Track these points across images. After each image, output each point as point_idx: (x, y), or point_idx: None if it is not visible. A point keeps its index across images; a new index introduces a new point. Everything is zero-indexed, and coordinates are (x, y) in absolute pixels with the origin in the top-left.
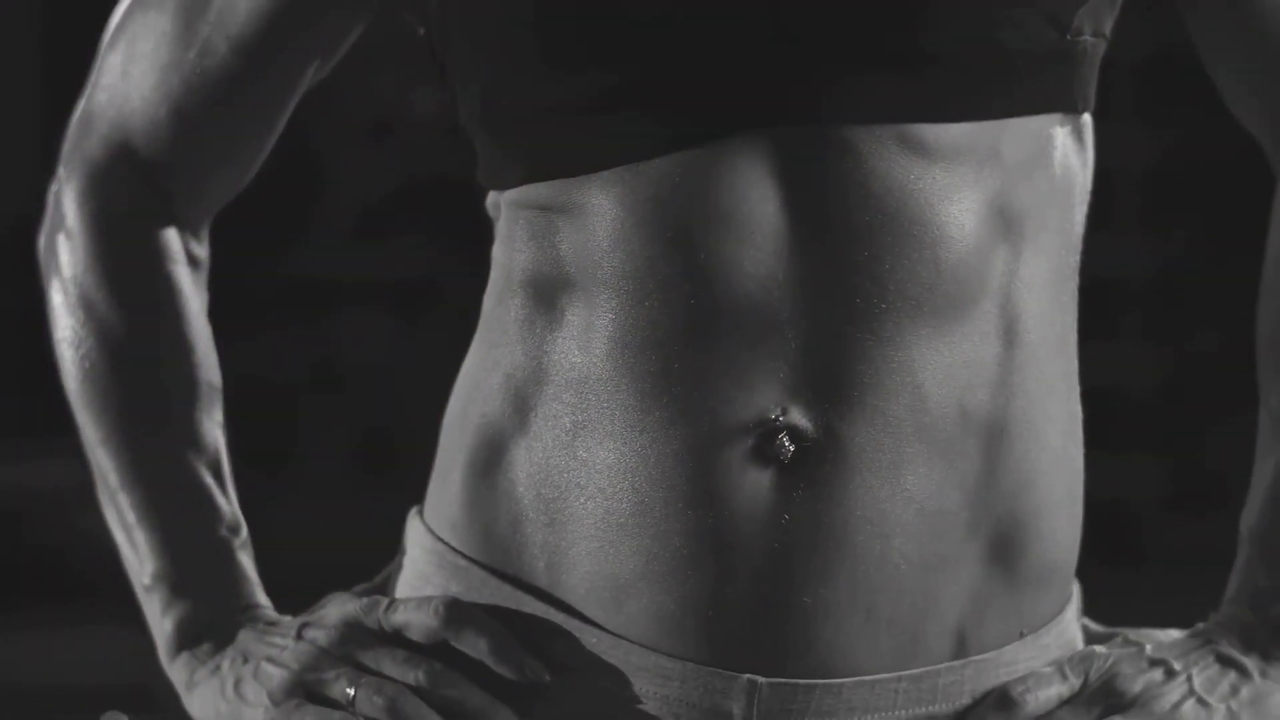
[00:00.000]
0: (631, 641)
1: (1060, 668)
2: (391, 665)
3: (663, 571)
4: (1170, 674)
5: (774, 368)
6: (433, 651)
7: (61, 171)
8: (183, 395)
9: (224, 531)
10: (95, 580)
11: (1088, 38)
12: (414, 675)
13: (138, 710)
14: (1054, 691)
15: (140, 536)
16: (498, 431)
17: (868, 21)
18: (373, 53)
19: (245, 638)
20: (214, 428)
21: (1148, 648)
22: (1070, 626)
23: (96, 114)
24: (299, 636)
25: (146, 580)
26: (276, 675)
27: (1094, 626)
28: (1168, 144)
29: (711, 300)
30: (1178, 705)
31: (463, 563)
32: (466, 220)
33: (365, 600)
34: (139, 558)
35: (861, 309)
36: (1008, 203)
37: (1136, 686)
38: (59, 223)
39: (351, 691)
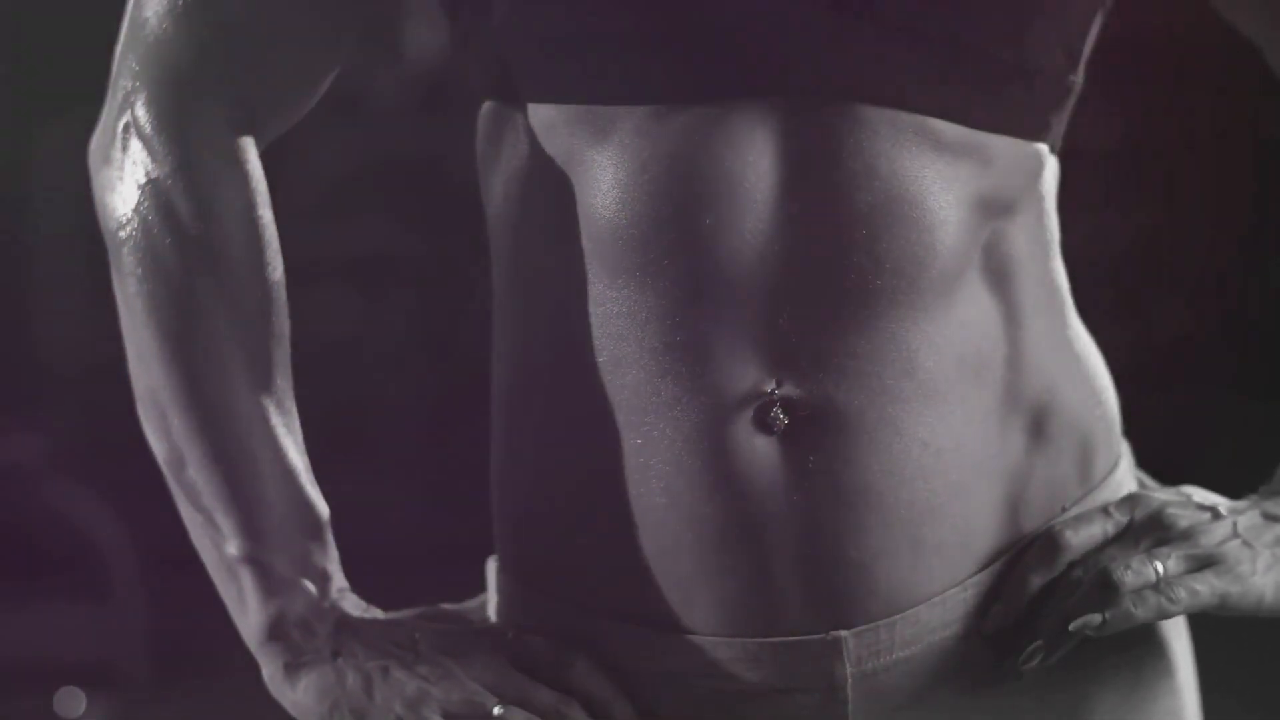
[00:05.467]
0: (711, 635)
1: (1106, 507)
2: (538, 700)
3: (712, 562)
4: (1217, 517)
5: (768, 340)
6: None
7: (128, 81)
8: (265, 348)
9: (313, 508)
10: (58, 556)
11: (1079, 81)
12: (563, 714)
13: (95, 685)
14: (1098, 528)
15: (224, 515)
16: (533, 465)
17: (918, 5)
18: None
19: (359, 632)
20: (289, 386)
21: (1195, 495)
22: (1124, 485)
23: (173, 19)
24: (437, 653)
25: (233, 553)
26: (410, 686)
27: (1150, 482)
28: (1133, 121)
29: (713, 268)
30: (1223, 542)
31: (542, 601)
32: (430, 199)
33: (494, 629)
34: (220, 533)
35: (856, 285)
36: (999, 194)
37: (1184, 522)
38: (130, 129)
39: (496, 713)
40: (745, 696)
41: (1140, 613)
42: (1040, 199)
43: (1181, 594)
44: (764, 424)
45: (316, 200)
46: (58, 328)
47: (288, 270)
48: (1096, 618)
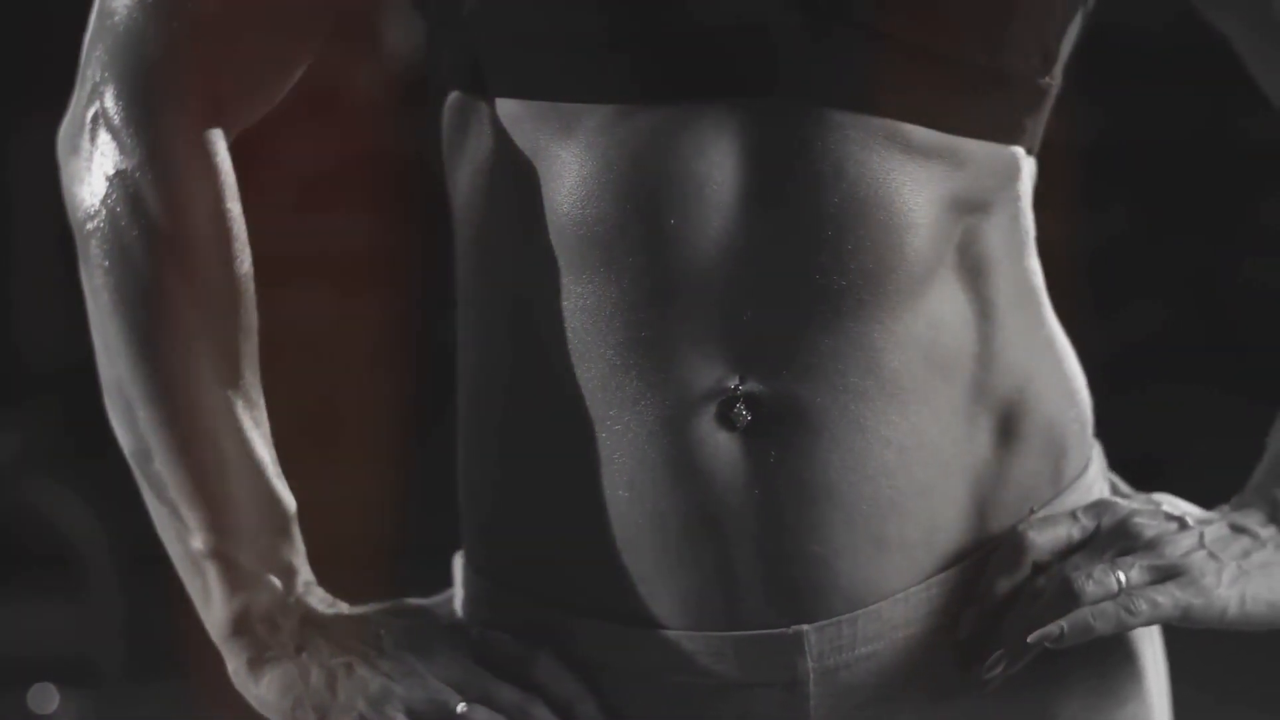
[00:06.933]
0: (676, 629)
1: (1073, 512)
2: (501, 697)
3: (674, 556)
4: (1184, 527)
5: (733, 337)
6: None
7: (97, 71)
8: (232, 340)
9: (280, 503)
10: (33, 552)
11: (1055, 83)
12: (526, 711)
13: (71, 682)
14: (1063, 531)
15: (190, 509)
16: (497, 460)
17: (891, 10)
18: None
19: (323, 628)
20: (258, 380)
21: (1165, 506)
22: (1094, 487)
23: (143, 10)
24: (402, 650)
25: (198, 547)
26: (373, 683)
27: (1123, 486)
28: (1107, 120)
29: (677, 266)
30: (1188, 553)
31: (504, 596)
32: (409, 194)
33: (459, 626)
34: (186, 526)
35: (821, 284)
36: (972, 195)
37: (1150, 532)
38: (98, 119)
39: (460, 710)
40: (709, 691)
41: (1099, 625)
42: (1015, 199)
43: (1142, 606)
44: (727, 420)
45: (293, 196)
46: (34, 324)
47: (265, 266)
48: (1055, 629)
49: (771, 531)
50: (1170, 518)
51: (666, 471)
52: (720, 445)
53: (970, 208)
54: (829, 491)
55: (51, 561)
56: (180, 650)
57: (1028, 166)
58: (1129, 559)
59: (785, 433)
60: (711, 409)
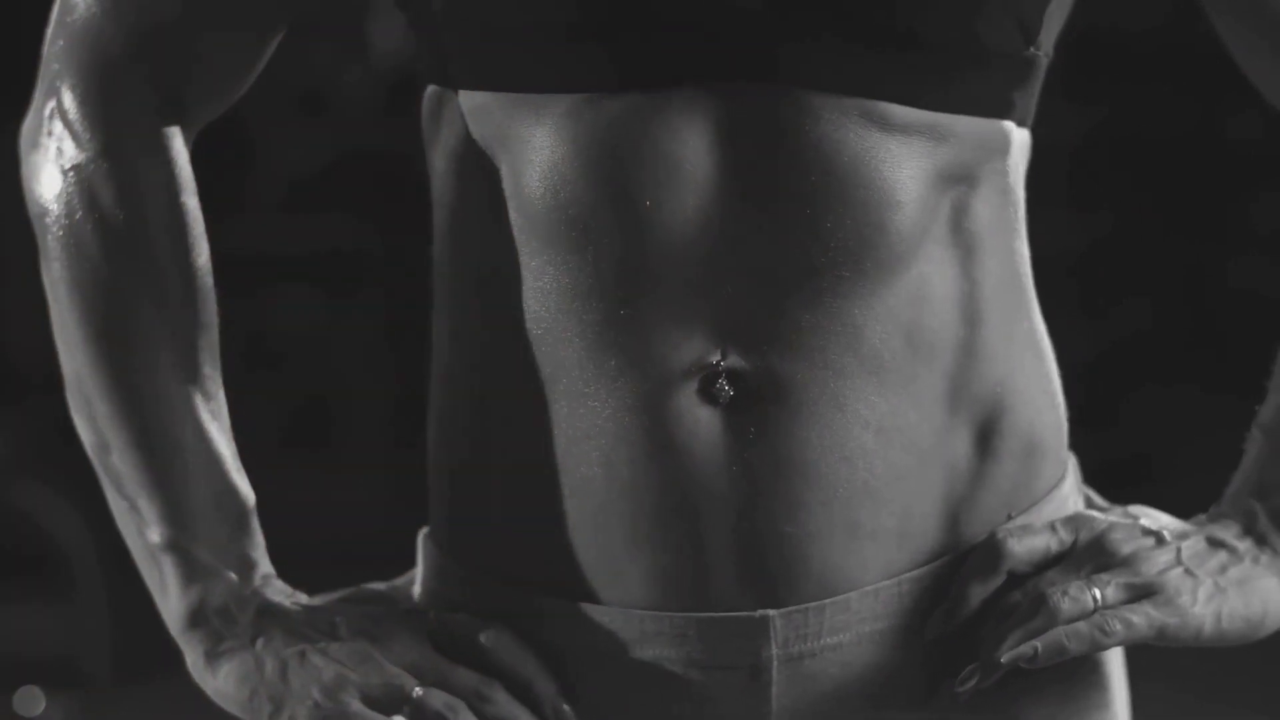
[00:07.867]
0: (640, 609)
1: (1051, 524)
2: (458, 680)
3: (645, 532)
4: (1161, 542)
5: (714, 312)
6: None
7: (56, 66)
8: (190, 334)
9: (238, 496)
10: (20, 555)
11: (1043, 53)
12: (484, 694)
13: (57, 685)
14: (1041, 542)
15: (147, 502)
16: (467, 437)
17: None
18: (305, 26)
19: (279, 618)
20: (217, 374)
21: (1143, 520)
22: (1069, 500)
23: (101, 4)
24: (351, 632)
25: (155, 540)
26: (327, 671)
27: (1098, 499)
28: (1095, 121)
29: (655, 247)
30: (1164, 571)
31: (468, 575)
32: (397, 194)
33: (415, 610)
34: (143, 519)
35: (800, 261)
36: (956, 169)
37: (1126, 548)
38: (55, 114)
39: (416, 694)
40: (671, 674)
41: (1073, 646)
42: (1004, 173)
43: (1117, 626)
44: (709, 395)
45: (286, 196)
46: (22, 326)
47: (259, 266)
48: (1029, 650)
49: (746, 510)
50: (1147, 532)
51: (644, 447)
52: (701, 421)
53: (955, 180)
54: (805, 471)
55: (38, 564)
56: (166, 654)
57: (1019, 139)
58: (1105, 576)
59: (765, 409)
60: (693, 384)
